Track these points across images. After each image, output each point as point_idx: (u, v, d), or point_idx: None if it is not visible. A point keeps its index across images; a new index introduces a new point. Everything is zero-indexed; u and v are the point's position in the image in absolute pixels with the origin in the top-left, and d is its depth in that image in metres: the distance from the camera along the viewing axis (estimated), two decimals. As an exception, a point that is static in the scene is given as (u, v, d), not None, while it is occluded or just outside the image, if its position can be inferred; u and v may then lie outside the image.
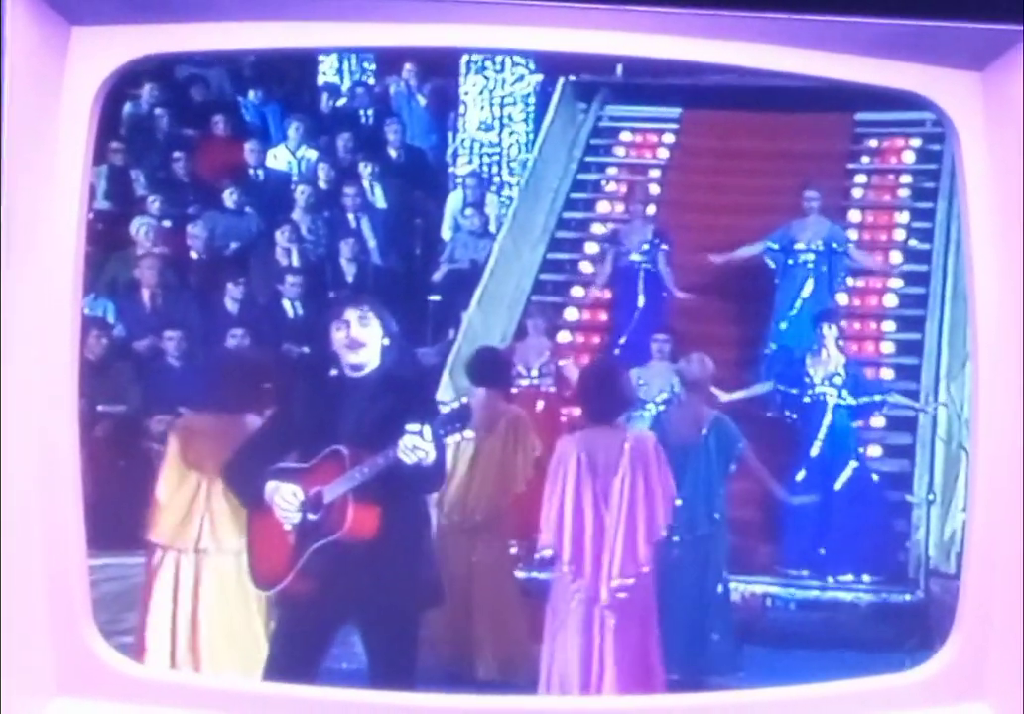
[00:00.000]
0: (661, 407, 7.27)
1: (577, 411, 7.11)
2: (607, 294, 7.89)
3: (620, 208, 8.34)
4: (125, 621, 6.77)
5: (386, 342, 5.37)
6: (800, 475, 7.41)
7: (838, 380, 7.53)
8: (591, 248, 8.22)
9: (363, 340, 5.30)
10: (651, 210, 7.93)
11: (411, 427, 5.11)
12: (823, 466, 7.45)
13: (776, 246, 7.75)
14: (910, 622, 6.71)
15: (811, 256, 7.70)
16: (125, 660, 5.00)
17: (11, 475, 4.57)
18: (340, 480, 5.23)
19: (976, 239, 4.79)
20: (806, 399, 7.54)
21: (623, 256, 7.68)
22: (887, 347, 7.89)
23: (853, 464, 7.36)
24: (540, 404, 7.17)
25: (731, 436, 6.75)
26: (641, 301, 7.61)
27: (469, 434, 5.55)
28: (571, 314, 7.98)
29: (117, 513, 6.60)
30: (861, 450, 7.54)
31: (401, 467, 5.18)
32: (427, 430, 5.12)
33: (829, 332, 7.49)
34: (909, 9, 4.56)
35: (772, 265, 7.75)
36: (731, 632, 6.72)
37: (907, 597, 7.01)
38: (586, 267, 8.14)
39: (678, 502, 6.40)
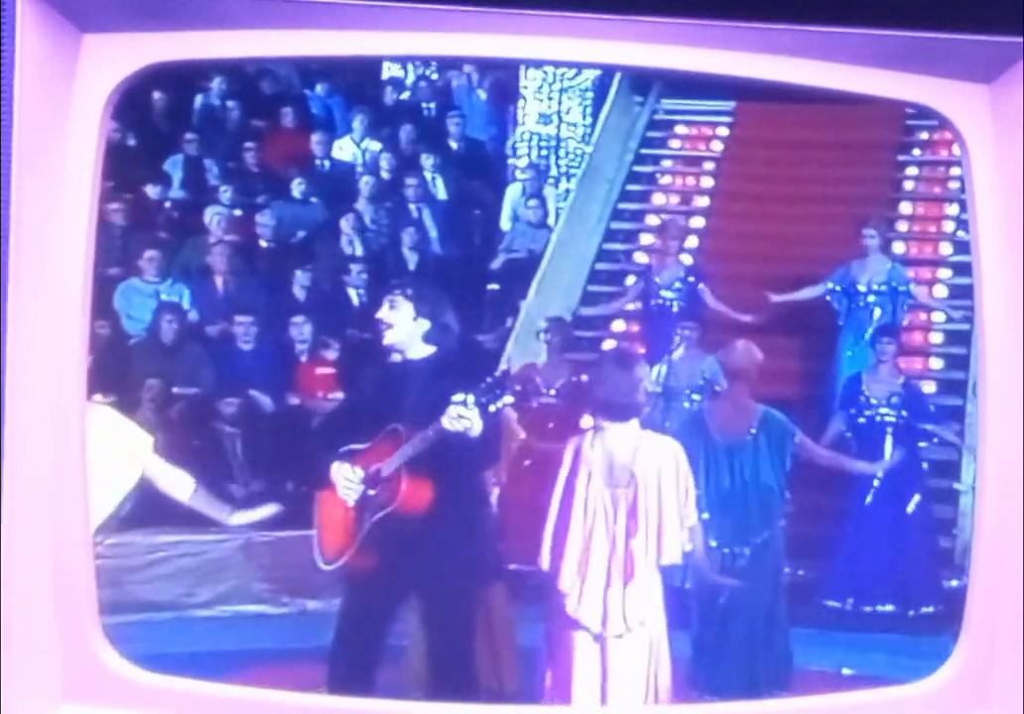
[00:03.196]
0: (696, 397, 6.97)
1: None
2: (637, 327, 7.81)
3: (675, 200, 8.53)
4: (198, 595, 7.11)
5: (423, 324, 5.60)
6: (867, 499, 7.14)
7: (896, 400, 7.32)
8: (646, 239, 8.37)
9: (389, 321, 5.59)
10: (691, 241, 7.96)
11: (456, 397, 5.36)
12: (885, 492, 7.26)
13: (838, 287, 7.59)
14: (955, 607, 6.79)
15: (874, 297, 7.59)
16: (133, 667, 4.93)
17: (19, 480, 4.51)
18: (395, 455, 5.50)
19: (984, 249, 4.74)
20: (862, 420, 7.33)
21: (655, 293, 7.63)
22: (936, 337, 7.98)
23: (917, 496, 7.14)
24: (553, 424, 7.24)
25: (783, 430, 6.35)
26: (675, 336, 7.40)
27: (509, 399, 5.63)
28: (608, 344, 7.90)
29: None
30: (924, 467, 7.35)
31: (451, 440, 5.40)
32: (470, 398, 5.35)
33: (888, 348, 7.34)
34: (918, 22, 4.54)
35: (835, 305, 7.57)
36: (789, 650, 6.38)
37: (953, 583, 7.04)
38: (640, 258, 8.27)
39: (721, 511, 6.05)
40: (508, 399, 5.60)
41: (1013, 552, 4.67)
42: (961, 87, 4.68)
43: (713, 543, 6.22)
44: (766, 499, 6.30)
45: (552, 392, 7.14)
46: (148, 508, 6.80)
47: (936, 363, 7.85)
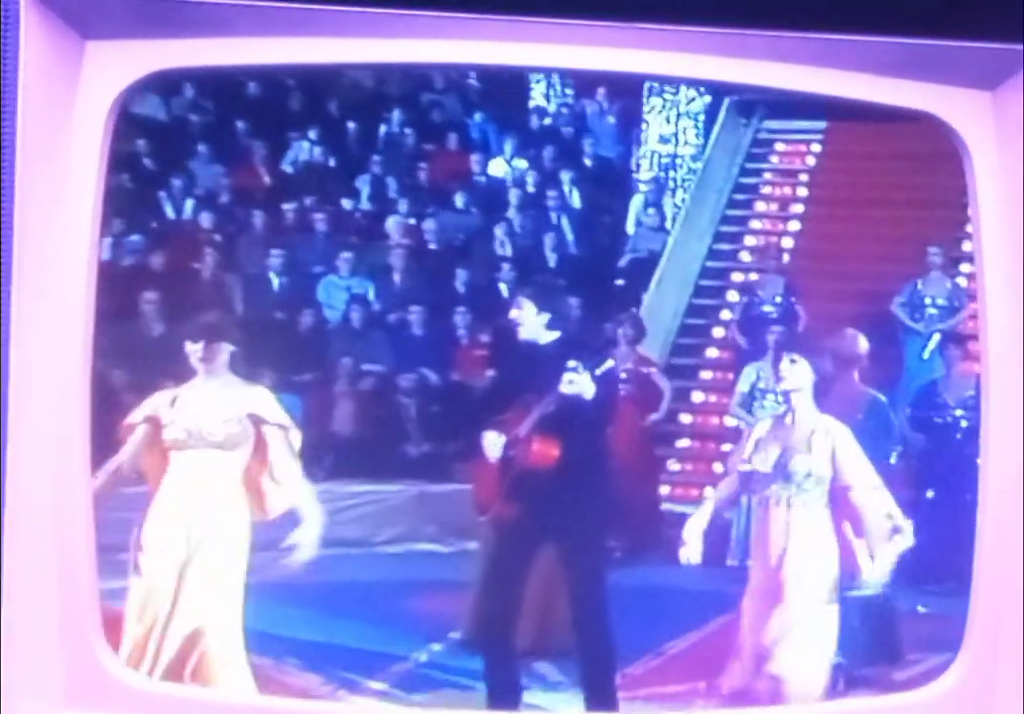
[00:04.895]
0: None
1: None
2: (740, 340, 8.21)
3: (774, 207, 9.11)
4: (381, 535, 7.68)
5: (545, 316, 5.97)
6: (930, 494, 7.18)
7: (971, 403, 7.23)
8: (749, 241, 8.99)
9: (519, 320, 6.05)
10: (786, 258, 8.50)
11: (570, 364, 5.81)
12: (958, 481, 7.08)
13: (904, 300, 8.04)
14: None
15: (936, 311, 7.96)
16: (135, 674, 4.78)
17: (23, 493, 4.29)
18: (527, 420, 5.99)
19: (987, 256, 4.53)
20: (939, 421, 7.41)
21: (756, 306, 8.09)
22: None
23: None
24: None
25: (889, 416, 6.22)
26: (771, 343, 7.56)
27: (610, 363, 5.90)
28: (711, 352, 8.41)
29: (375, 449, 7.94)
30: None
31: (570, 403, 5.82)
32: (580, 366, 5.77)
33: (956, 353, 7.50)
34: (921, 29, 4.31)
35: (901, 317, 7.96)
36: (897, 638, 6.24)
37: None
38: (745, 257, 8.91)
39: None
40: (610, 363, 5.93)
41: (1015, 563, 4.54)
42: (964, 94, 4.47)
43: None
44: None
45: (623, 375, 7.40)
46: (344, 463, 7.69)
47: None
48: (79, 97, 4.29)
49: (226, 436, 5.69)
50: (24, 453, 4.29)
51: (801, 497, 5.66)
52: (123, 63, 4.30)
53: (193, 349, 5.76)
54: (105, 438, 5.25)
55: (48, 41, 4.20)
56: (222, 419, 5.73)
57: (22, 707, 4.36)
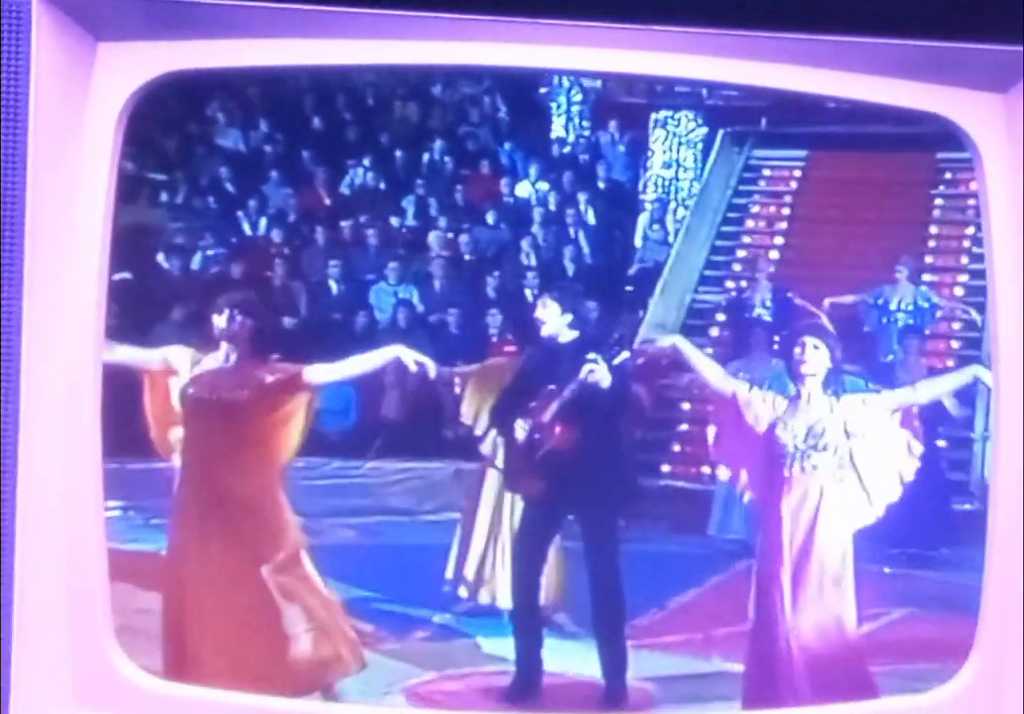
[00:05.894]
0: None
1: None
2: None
3: (762, 223, 9.87)
4: (424, 505, 8.13)
5: (568, 317, 6.58)
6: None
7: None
8: (741, 253, 9.74)
9: (541, 318, 6.68)
10: (772, 268, 9.09)
11: (590, 356, 6.44)
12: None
13: (871, 301, 8.41)
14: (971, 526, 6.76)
15: (903, 315, 8.44)
16: (146, 675, 4.60)
17: (34, 491, 4.20)
18: (550, 407, 6.61)
19: (998, 258, 4.53)
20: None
21: (744, 310, 8.75)
22: (955, 343, 8.62)
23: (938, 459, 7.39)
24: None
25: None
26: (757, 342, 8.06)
27: (626, 354, 6.43)
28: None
29: (419, 432, 8.52)
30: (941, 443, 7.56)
31: (589, 391, 6.36)
32: (600, 357, 6.38)
33: (913, 345, 8.09)
34: (931, 30, 4.24)
35: (863, 316, 8.37)
36: None
37: (967, 506, 7.68)
38: (737, 267, 9.65)
39: None
40: (625, 354, 6.49)
41: (1018, 566, 4.58)
42: (975, 96, 4.40)
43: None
44: None
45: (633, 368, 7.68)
46: (392, 443, 8.46)
47: (950, 362, 8.39)
48: (91, 99, 4.16)
49: (240, 397, 6.05)
50: (36, 452, 4.24)
51: (828, 466, 6.21)
52: (135, 65, 4.18)
53: (218, 321, 6.02)
54: (117, 436, 5.20)
55: (59, 42, 4.07)
56: (237, 382, 6.08)
57: (31, 707, 4.35)
